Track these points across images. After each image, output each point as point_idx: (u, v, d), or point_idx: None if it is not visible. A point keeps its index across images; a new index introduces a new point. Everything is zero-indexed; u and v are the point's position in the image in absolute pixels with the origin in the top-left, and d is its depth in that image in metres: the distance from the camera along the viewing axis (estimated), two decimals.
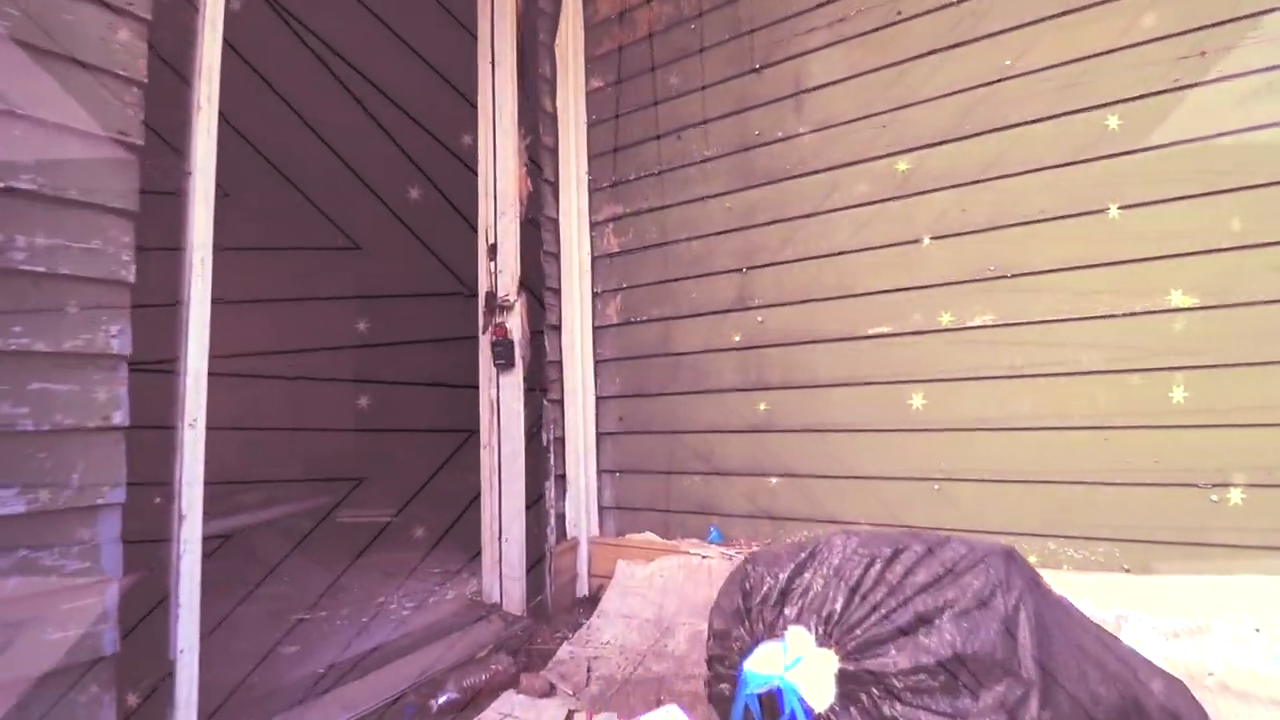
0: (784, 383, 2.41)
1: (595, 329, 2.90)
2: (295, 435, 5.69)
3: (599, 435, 2.86)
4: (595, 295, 2.91)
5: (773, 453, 2.42)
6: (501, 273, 2.71)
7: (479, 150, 2.85)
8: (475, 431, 2.80)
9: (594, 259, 2.92)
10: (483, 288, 2.76)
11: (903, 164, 2.22)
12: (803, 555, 1.19)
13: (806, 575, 1.16)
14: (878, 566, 1.11)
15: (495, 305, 2.68)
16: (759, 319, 2.48)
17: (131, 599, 1.50)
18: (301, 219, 5.43)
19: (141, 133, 1.56)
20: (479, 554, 2.76)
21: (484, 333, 2.72)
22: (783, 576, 1.18)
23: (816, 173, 2.38)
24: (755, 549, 2.43)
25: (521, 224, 2.70)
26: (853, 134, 2.33)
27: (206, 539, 3.63)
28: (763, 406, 2.45)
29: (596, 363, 2.88)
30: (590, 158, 2.97)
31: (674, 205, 2.72)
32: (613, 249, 2.88)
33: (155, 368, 1.56)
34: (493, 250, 2.75)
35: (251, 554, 3.65)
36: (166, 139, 1.63)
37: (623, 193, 2.87)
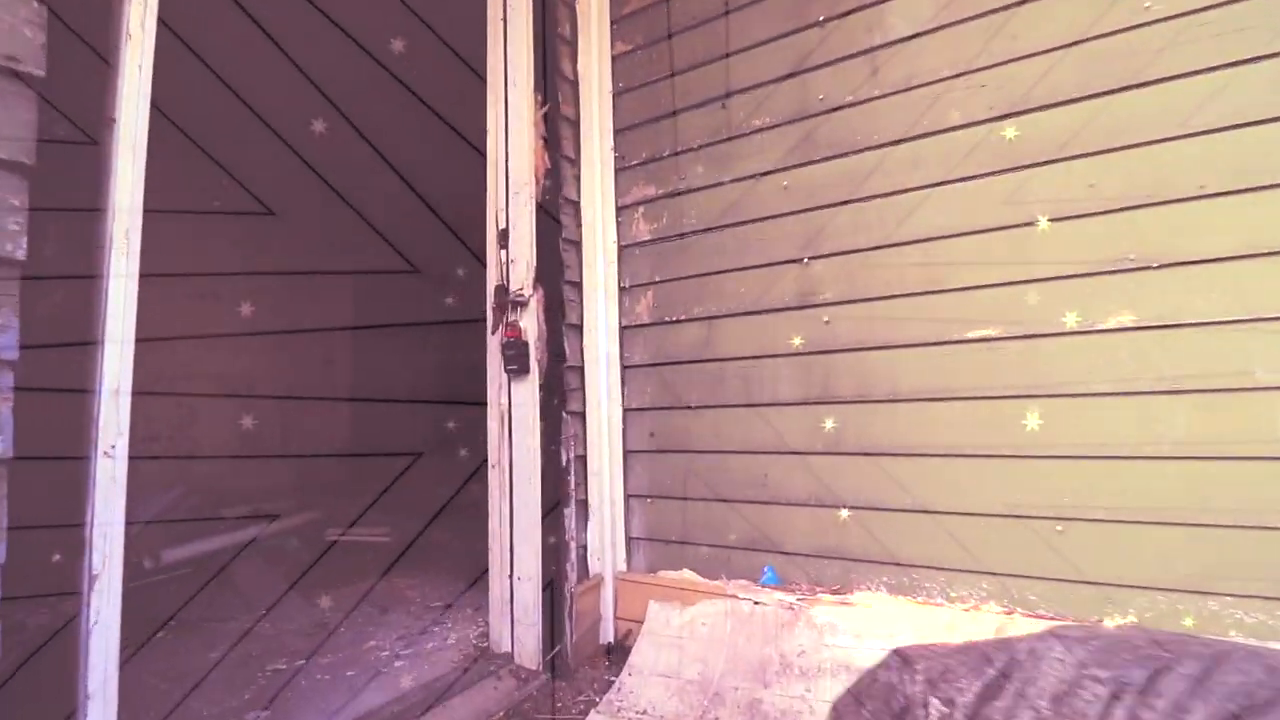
0: (857, 395, 2.00)
1: (623, 329, 2.48)
2: (285, 443, 5.30)
3: (626, 454, 2.44)
4: (623, 290, 2.50)
5: (843, 480, 2.01)
6: (514, 263, 2.30)
7: (488, 121, 2.44)
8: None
9: (621, 248, 2.51)
10: (491, 280, 2.35)
11: (1010, 129, 1.82)
12: (992, 671, 0.79)
13: (1003, 704, 0.76)
14: (1128, 700, 0.72)
15: (507, 301, 2.27)
16: (824, 319, 2.07)
17: (20, 693, 1.09)
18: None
19: (42, 61, 1.15)
20: (484, 579, 2.35)
21: (493, 333, 2.31)
22: (962, 700, 0.78)
23: (898, 142, 1.97)
24: (820, 595, 2.02)
25: (537, 206, 2.30)
26: (943, 95, 1.92)
27: (176, 565, 3.10)
28: (830, 424, 2.04)
29: (624, 369, 2.47)
30: (616, 131, 2.56)
31: (717, 185, 2.31)
32: (643, 236, 2.47)
33: (58, 382, 1.16)
34: (503, 236, 2.34)
35: (227, 581, 3.23)
36: (81, 72, 1.23)
37: (655, 171, 2.46)
